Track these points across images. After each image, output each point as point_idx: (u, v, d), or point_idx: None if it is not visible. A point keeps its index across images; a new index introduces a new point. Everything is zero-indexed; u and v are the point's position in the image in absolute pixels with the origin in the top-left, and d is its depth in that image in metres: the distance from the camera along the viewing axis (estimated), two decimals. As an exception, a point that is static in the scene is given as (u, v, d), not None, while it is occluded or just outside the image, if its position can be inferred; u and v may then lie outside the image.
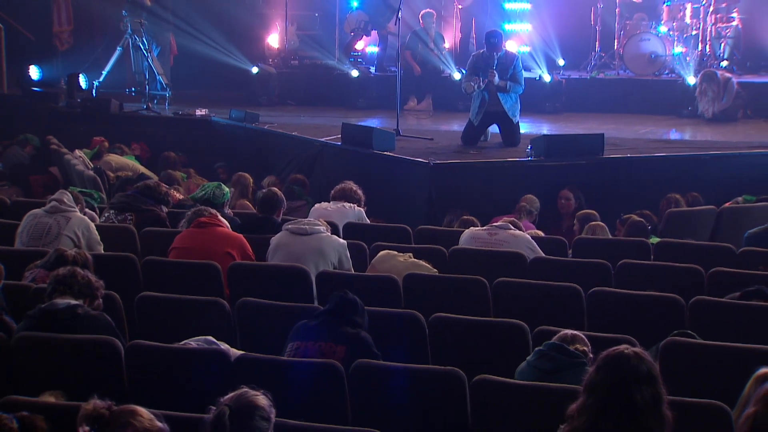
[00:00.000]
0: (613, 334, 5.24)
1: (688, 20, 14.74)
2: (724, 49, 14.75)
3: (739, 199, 9.41)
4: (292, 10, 16.25)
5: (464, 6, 15.71)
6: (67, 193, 7.51)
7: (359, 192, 8.59)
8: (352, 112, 14.26)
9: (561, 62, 15.58)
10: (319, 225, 7.02)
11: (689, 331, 5.28)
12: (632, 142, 11.76)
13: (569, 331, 4.76)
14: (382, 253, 6.91)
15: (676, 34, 14.64)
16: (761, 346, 5.04)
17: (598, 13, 15.28)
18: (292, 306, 5.82)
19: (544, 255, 7.32)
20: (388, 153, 10.74)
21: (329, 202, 8.57)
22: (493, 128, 11.45)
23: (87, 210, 7.77)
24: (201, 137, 13.58)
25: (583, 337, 4.73)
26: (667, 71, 14.60)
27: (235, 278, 6.61)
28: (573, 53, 15.80)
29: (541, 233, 8.23)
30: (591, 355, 4.54)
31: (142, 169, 11.47)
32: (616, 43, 15.18)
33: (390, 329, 5.53)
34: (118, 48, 15.34)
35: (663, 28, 14.66)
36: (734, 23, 14.76)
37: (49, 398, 4.35)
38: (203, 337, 5.10)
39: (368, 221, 8.61)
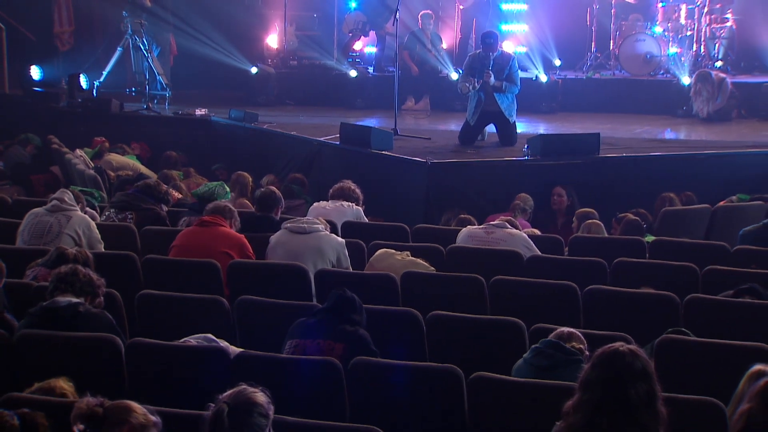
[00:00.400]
0: (609, 331, 5.25)
1: (682, 21, 14.75)
2: (718, 49, 14.76)
3: (734, 198, 9.43)
4: (291, 11, 16.25)
5: (465, 6, 15.74)
6: (68, 192, 7.54)
7: (357, 191, 8.60)
8: (350, 112, 14.26)
9: (557, 62, 15.63)
10: (317, 224, 7.05)
11: (684, 329, 5.31)
12: (628, 141, 11.78)
13: (565, 329, 4.79)
14: (380, 251, 6.94)
15: (671, 34, 14.66)
16: (755, 343, 5.06)
17: (594, 13, 15.28)
18: (291, 304, 5.84)
19: (540, 253, 7.34)
20: (386, 152, 10.75)
21: (328, 201, 8.59)
22: (490, 128, 11.46)
23: (88, 209, 7.79)
24: (201, 137, 13.60)
25: (579, 334, 4.76)
26: (662, 71, 14.63)
27: (234, 276, 6.63)
28: (569, 54, 15.80)
29: (537, 231, 8.28)
30: (587, 353, 4.55)
31: (143, 168, 11.47)
32: (611, 44, 15.18)
33: (388, 327, 5.55)
34: (119, 48, 15.36)
35: (658, 29, 14.68)
36: (728, 24, 14.77)
37: (60, 384, 4.34)
38: (203, 334, 5.12)
39: (366, 220, 8.62)
